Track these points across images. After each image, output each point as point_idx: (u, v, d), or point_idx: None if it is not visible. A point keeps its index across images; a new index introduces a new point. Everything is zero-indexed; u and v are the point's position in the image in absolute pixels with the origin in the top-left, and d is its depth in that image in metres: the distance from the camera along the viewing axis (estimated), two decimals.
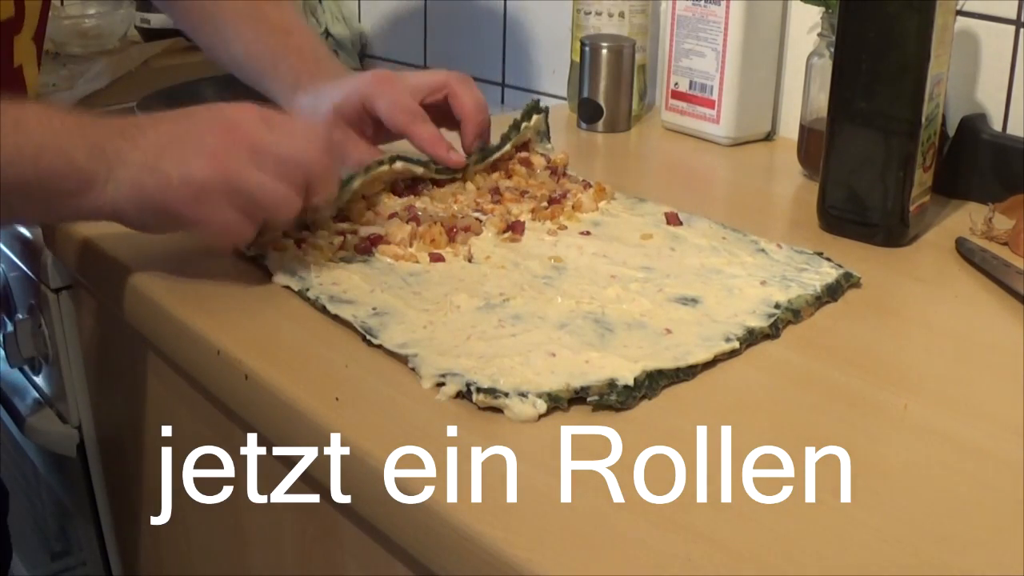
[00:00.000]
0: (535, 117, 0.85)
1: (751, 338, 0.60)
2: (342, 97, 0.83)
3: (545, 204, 0.77)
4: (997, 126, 0.86)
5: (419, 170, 0.79)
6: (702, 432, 0.51)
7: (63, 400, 0.94)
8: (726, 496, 0.46)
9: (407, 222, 0.72)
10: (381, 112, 0.81)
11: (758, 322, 0.61)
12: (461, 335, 0.58)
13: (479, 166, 0.82)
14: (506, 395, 0.52)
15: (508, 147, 0.84)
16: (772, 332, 0.61)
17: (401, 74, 0.84)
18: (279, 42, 0.89)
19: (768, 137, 1.01)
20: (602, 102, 1.02)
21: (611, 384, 0.53)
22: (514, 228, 0.72)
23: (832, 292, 0.66)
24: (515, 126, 0.85)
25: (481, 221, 0.73)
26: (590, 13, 1.05)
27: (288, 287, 0.66)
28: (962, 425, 0.52)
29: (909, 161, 0.74)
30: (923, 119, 0.73)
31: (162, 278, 0.68)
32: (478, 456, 0.49)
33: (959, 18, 0.80)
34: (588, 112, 1.03)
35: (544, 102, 0.87)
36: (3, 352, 1.00)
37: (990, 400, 0.55)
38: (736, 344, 0.59)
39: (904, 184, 0.74)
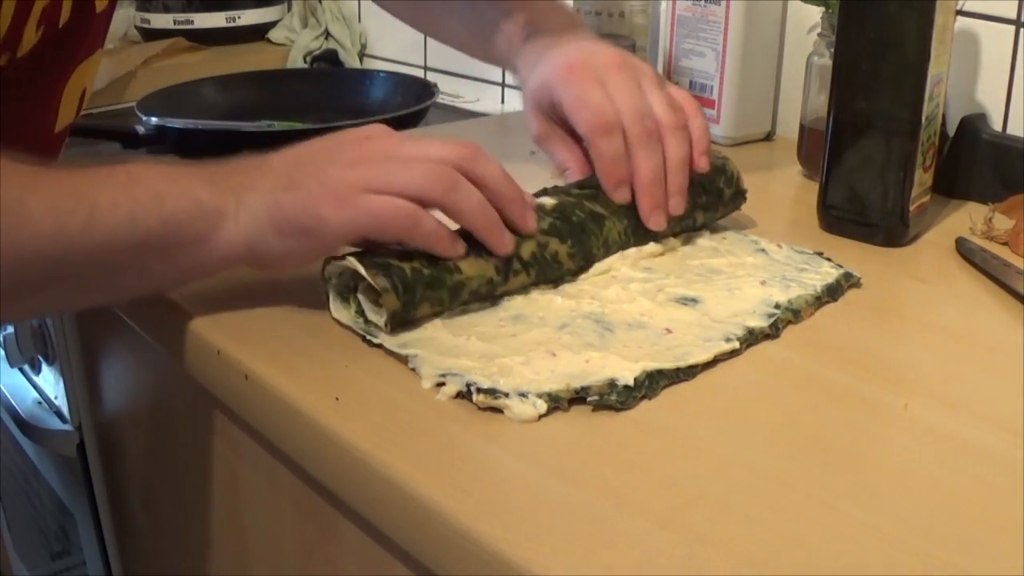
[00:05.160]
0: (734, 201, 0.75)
1: (751, 338, 0.60)
2: (535, 89, 0.73)
3: None
4: (997, 126, 0.86)
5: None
6: (702, 432, 0.51)
7: (63, 400, 0.94)
8: (726, 496, 0.46)
9: None
10: (566, 111, 0.70)
11: (758, 322, 0.61)
12: (461, 335, 0.58)
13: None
14: (506, 395, 0.52)
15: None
16: (772, 332, 0.61)
17: (611, 69, 0.69)
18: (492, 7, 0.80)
19: (768, 137, 1.01)
20: None
21: (611, 384, 0.53)
22: None
23: (832, 292, 0.66)
24: (714, 203, 0.73)
25: None
26: (590, 13, 1.05)
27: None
28: (962, 425, 0.52)
29: (909, 161, 0.74)
30: (923, 119, 0.73)
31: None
32: (478, 456, 0.49)
33: (959, 18, 0.80)
34: None
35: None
36: (3, 352, 1.00)
37: (990, 400, 0.55)
38: (736, 344, 0.59)
39: (904, 184, 0.74)
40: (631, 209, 0.68)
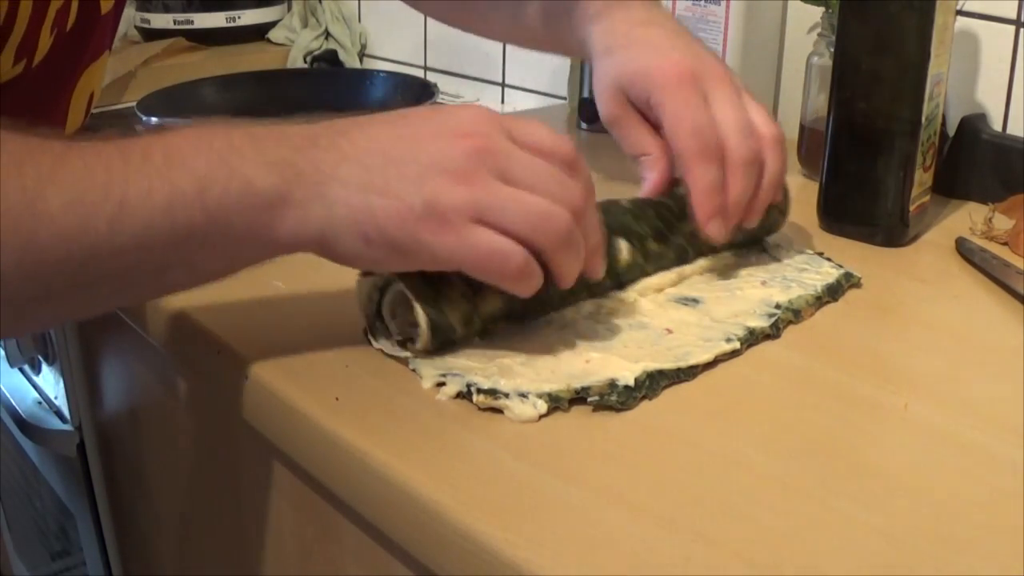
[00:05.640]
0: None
1: (752, 338, 0.60)
2: (628, 78, 0.66)
3: None
4: (997, 126, 0.86)
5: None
6: (702, 432, 0.51)
7: (63, 400, 0.94)
8: (726, 496, 0.46)
9: None
10: (665, 124, 0.64)
11: (759, 322, 0.61)
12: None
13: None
14: (506, 395, 0.52)
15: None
16: (773, 332, 0.61)
17: (715, 80, 0.65)
18: None
19: None
20: None
21: (612, 384, 0.53)
22: None
23: (832, 292, 0.66)
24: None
25: None
26: None
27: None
28: (962, 425, 0.52)
29: (909, 161, 0.74)
30: (923, 119, 0.73)
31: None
32: (478, 456, 0.49)
33: (959, 18, 0.80)
34: (588, 112, 1.03)
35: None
36: (3, 352, 1.00)
37: (990, 400, 0.55)
38: (737, 344, 0.59)
39: (904, 184, 0.74)
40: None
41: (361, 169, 0.50)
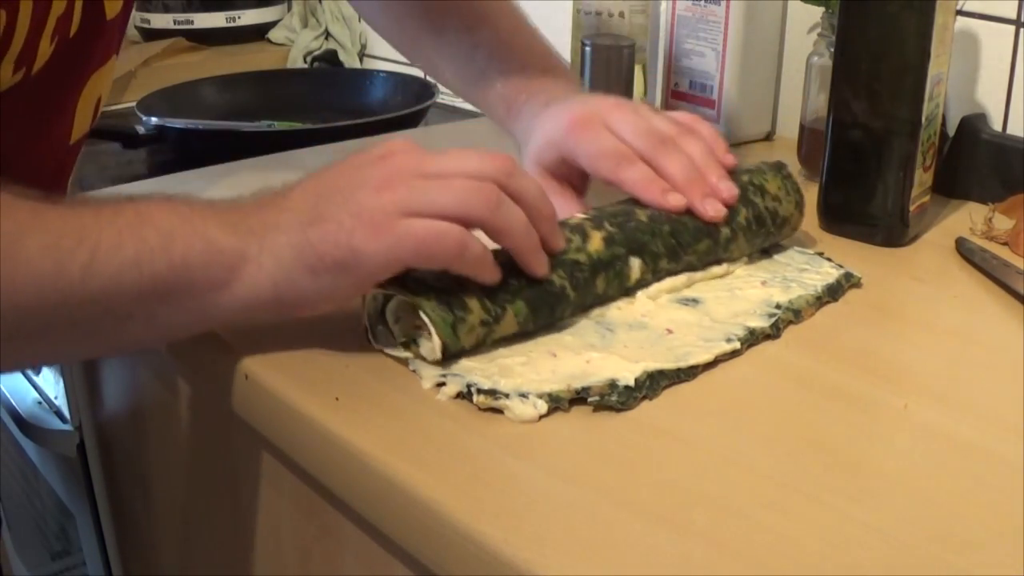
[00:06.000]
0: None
1: (752, 338, 0.60)
2: (538, 148, 0.71)
3: None
4: (997, 126, 0.86)
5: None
6: (702, 432, 0.51)
7: (63, 400, 0.94)
8: (726, 496, 0.46)
9: None
10: (584, 165, 0.68)
11: (759, 322, 0.61)
12: None
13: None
14: (506, 396, 0.52)
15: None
16: (773, 332, 0.61)
17: (610, 110, 0.69)
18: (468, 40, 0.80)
19: (768, 137, 1.01)
20: None
21: (612, 384, 0.53)
22: None
23: (833, 292, 0.66)
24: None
25: None
26: (590, 13, 1.05)
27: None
28: (962, 425, 0.52)
29: (909, 161, 0.74)
30: (923, 119, 0.73)
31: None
32: (478, 456, 0.49)
33: (959, 18, 0.80)
34: None
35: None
36: None
37: (990, 400, 0.55)
38: (737, 344, 0.59)
39: (904, 184, 0.74)
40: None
41: (296, 213, 0.53)
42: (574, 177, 0.71)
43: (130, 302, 0.51)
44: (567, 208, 0.68)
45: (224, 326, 0.58)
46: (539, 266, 0.57)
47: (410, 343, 0.57)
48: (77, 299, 0.49)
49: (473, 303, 0.55)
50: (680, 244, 0.64)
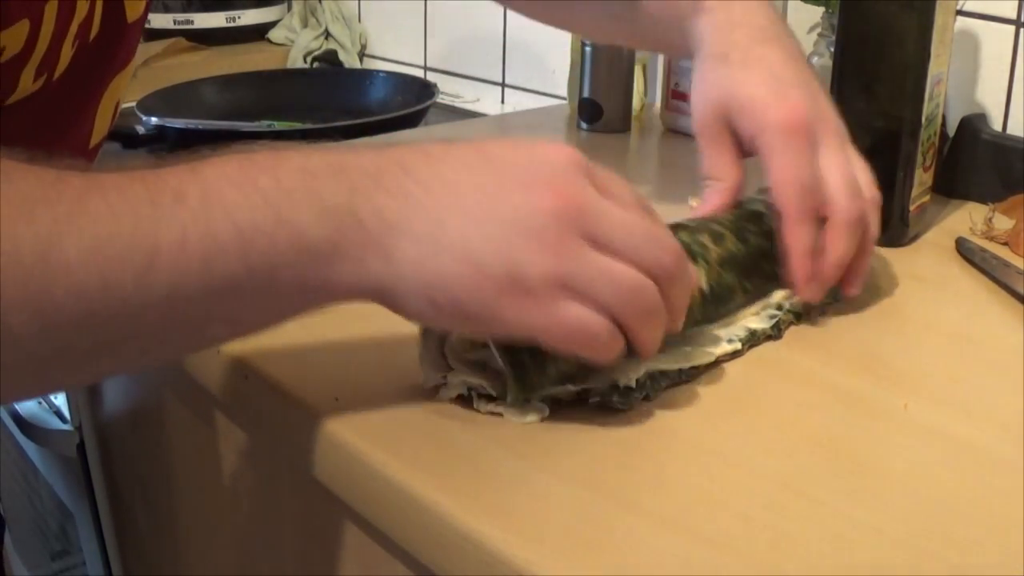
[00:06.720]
0: None
1: (753, 339, 0.60)
2: (743, 115, 0.63)
3: None
4: (997, 126, 0.86)
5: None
6: (702, 432, 0.51)
7: (63, 400, 0.94)
8: (726, 496, 0.46)
9: None
10: (767, 171, 0.61)
11: (760, 323, 0.61)
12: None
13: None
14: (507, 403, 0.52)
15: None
16: (774, 333, 0.61)
17: (826, 132, 0.62)
18: None
19: None
20: (602, 102, 1.02)
21: (613, 385, 0.53)
22: None
23: (834, 293, 0.66)
24: None
25: None
26: None
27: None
28: (962, 425, 0.52)
29: (909, 161, 0.74)
30: (923, 119, 0.73)
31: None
32: (478, 456, 0.49)
33: (959, 18, 0.80)
34: (588, 112, 1.03)
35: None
36: None
37: (990, 400, 0.55)
38: (738, 345, 0.59)
39: (904, 184, 0.74)
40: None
41: (433, 224, 0.44)
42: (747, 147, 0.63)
43: (200, 307, 0.43)
44: (725, 171, 0.64)
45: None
46: (646, 352, 0.50)
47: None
48: (133, 311, 0.41)
49: (551, 367, 0.51)
50: (746, 289, 0.61)
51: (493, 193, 0.45)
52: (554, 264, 0.44)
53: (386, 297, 0.45)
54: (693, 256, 0.58)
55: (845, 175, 0.61)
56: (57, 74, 0.59)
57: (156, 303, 0.41)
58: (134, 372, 0.49)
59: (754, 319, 0.61)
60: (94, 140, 0.68)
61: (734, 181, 0.65)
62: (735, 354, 0.59)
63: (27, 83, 0.56)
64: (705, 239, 0.60)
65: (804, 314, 0.63)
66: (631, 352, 0.50)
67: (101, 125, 0.68)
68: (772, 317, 0.62)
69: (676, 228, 0.59)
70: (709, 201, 0.65)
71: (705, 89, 0.66)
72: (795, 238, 0.60)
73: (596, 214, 0.46)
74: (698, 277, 0.57)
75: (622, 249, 0.46)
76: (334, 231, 0.43)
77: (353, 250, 0.44)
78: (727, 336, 0.59)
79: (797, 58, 0.65)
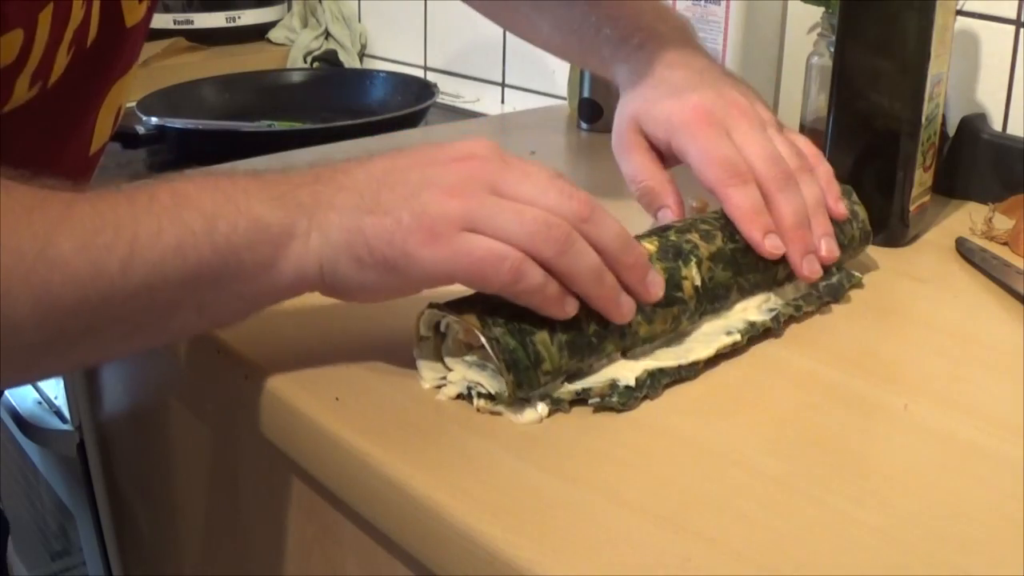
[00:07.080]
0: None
1: (752, 330, 0.60)
2: (647, 116, 0.67)
3: None
4: (997, 126, 0.86)
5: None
6: (702, 432, 0.51)
7: (63, 400, 0.94)
8: (726, 496, 0.46)
9: None
10: (692, 164, 0.65)
11: (759, 316, 0.61)
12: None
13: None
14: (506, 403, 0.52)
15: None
16: (774, 325, 0.61)
17: (738, 118, 0.66)
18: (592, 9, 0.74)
19: None
20: (602, 102, 1.02)
21: (613, 385, 0.53)
22: None
23: (833, 292, 0.66)
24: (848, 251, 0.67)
25: None
26: None
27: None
28: (962, 425, 0.52)
29: (909, 161, 0.74)
30: (923, 119, 0.73)
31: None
32: (478, 456, 0.49)
33: (959, 18, 0.80)
34: (588, 112, 1.03)
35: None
36: None
37: (990, 400, 0.55)
38: (737, 336, 0.58)
39: (904, 184, 0.74)
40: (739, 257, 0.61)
41: (355, 195, 0.50)
42: (667, 156, 0.68)
43: (176, 291, 0.48)
44: (646, 171, 0.67)
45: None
46: (615, 314, 0.53)
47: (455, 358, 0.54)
48: (120, 295, 0.47)
49: (552, 351, 0.52)
50: (741, 286, 0.61)
51: (406, 168, 0.52)
52: (456, 205, 0.50)
53: (324, 273, 0.51)
54: (683, 254, 0.58)
55: (762, 147, 0.64)
56: (52, 81, 0.59)
57: (138, 288, 0.47)
58: (106, 360, 0.59)
59: (754, 311, 0.61)
60: (94, 147, 0.69)
61: (660, 179, 0.68)
62: (735, 347, 0.58)
63: (22, 91, 0.57)
64: (694, 237, 0.60)
65: (803, 307, 0.63)
66: (627, 348, 0.51)
67: (102, 132, 0.69)
68: (771, 311, 0.62)
69: (664, 230, 0.61)
70: (661, 217, 0.68)
71: (619, 114, 0.71)
72: (733, 201, 0.62)
73: (503, 171, 0.51)
74: (691, 274, 0.58)
75: (529, 198, 0.51)
76: (284, 216, 0.50)
77: (298, 229, 0.50)
78: (726, 328, 0.59)
79: (704, 71, 0.70)
